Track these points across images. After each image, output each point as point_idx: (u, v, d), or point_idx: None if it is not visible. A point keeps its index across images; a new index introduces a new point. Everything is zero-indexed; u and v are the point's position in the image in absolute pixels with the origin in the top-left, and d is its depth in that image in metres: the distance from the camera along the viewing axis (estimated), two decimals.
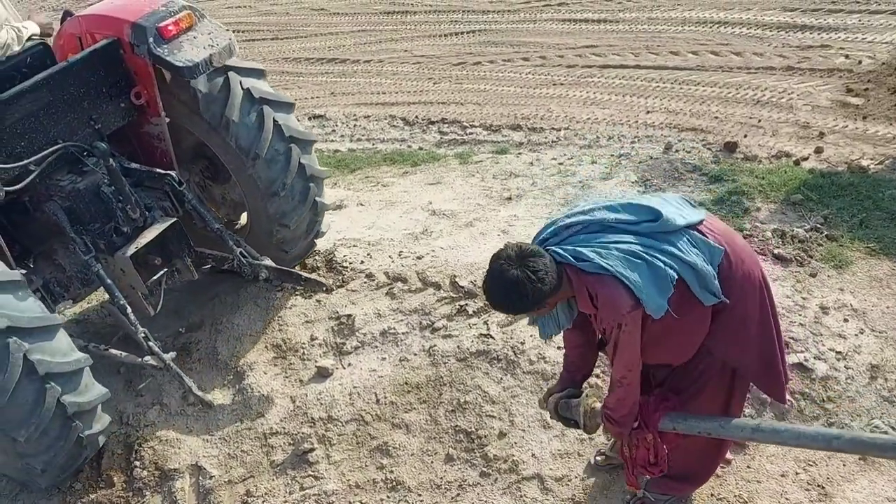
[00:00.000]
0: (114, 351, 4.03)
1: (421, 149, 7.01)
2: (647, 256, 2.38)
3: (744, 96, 6.49)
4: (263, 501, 3.61)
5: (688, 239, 2.47)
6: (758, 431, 2.64)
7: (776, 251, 4.42)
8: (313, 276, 4.58)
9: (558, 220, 2.52)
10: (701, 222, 2.54)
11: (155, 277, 3.99)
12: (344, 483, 3.64)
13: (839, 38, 7.04)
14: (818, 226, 4.61)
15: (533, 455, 3.60)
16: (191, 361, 4.35)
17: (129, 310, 3.84)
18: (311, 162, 4.40)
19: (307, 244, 4.78)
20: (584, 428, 2.97)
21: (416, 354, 4.24)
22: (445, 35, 9.01)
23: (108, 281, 3.85)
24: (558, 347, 4.06)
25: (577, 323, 2.75)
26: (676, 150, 5.84)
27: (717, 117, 6.29)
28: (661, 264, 2.38)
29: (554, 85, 7.45)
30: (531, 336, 4.16)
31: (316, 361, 4.30)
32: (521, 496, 3.43)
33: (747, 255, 2.66)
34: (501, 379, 3.99)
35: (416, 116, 7.58)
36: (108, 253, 3.94)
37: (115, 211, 3.90)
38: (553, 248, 2.44)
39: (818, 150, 5.52)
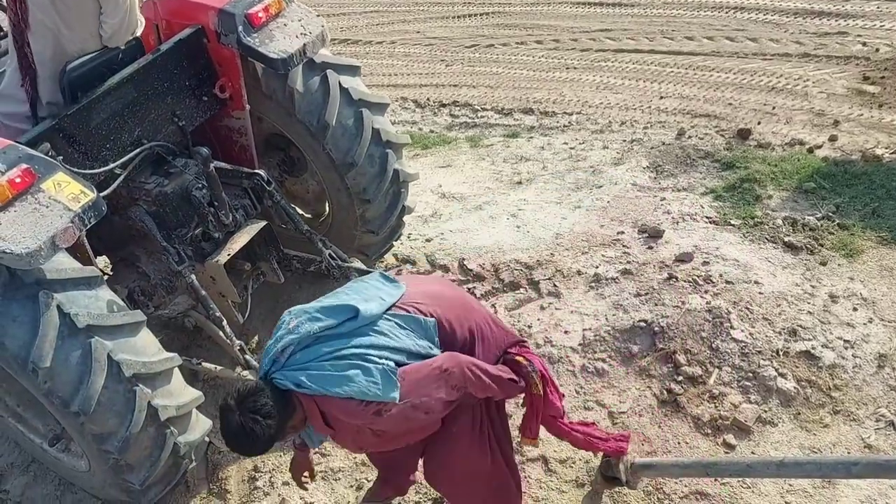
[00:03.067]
0: (207, 364, 3.77)
1: (432, 132, 7.00)
2: (362, 361, 2.35)
3: (758, 83, 6.43)
4: (271, 476, 3.64)
5: (396, 323, 2.46)
6: (783, 467, 2.69)
7: (787, 239, 4.40)
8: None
9: (270, 348, 2.46)
10: (402, 296, 2.53)
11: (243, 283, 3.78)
12: (350, 461, 3.67)
13: (857, 25, 6.95)
14: (830, 214, 4.58)
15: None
16: (200, 339, 4.37)
17: (224, 321, 3.62)
18: (384, 126, 4.08)
19: (395, 223, 4.43)
20: (627, 484, 3.12)
21: None
22: (458, 17, 8.95)
23: (203, 292, 3.61)
24: (565, 332, 4.08)
25: None
26: (689, 137, 5.80)
27: (730, 104, 6.24)
28: (377, 359, 2.36)
29: (567, 69, 7.41)
30: (538, 320, 4.17)
31: None
32: (525, 476, 3.46)
33: (462, 306, 2.64)
34: None
35: (428, 99, 7.56)
36: (196, 260, 3.71)
37: (206, 215, 3.64)
38: (276, 375, 2.40)
39: (832, 139, 5.47)
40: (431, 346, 2.47)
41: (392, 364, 2.36)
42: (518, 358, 2.63)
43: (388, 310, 2.48)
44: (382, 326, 2.43)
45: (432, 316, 2.51)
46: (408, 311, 2.49)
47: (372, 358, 2.35)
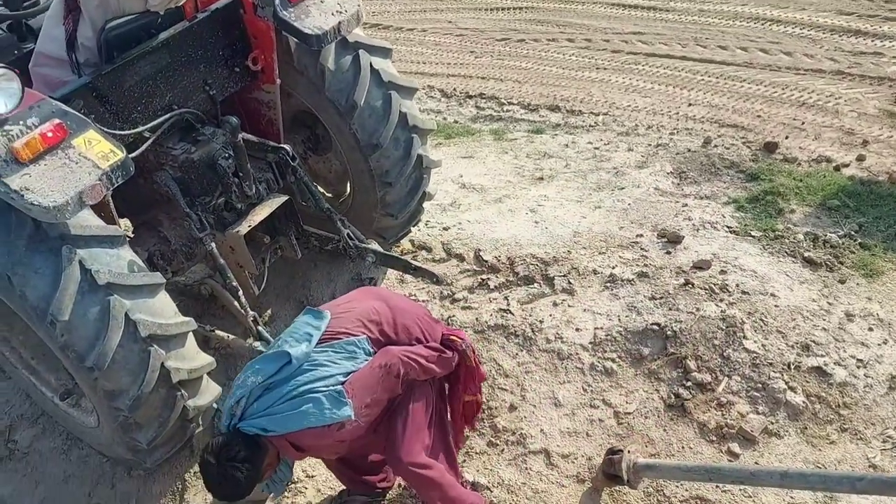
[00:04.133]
0: (220, 333, 3.80)
1: (456, 122, 7.01)
2: (311, 394, 2.60)
3: (789, 97, 6.38)
4: None
5: (332, 352, 2.71)
6: (787, 477, 2.71)
7: (807, 254, 4.37)
8: (425, 266, 4.19)
9: (226, 405, 2.71)
10: (330, 323, 2.78)
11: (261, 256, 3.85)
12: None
13: (893, 46, 6.88)
14: (852, 233, 4.55)
15: (542, 430, 3.63)
16: (214, 308, 4.41)
17: (240, 291, 3.64)
18: (412, 111, 4.10)
19: (414, 208, 4.46)
20: (628, 483, 3.14)
21: None
22: (491, 9, 8.95)
23: (222, 261, 3.64)
24: (577, 329, 4.08)
25: None
26: (715, 146, 5.77)
27: (759, 116, 6.20)
28: (324, 388, 2.61)
29: (597, 69, 7.38)
30: (550, 316, 4.18)
31: None
32: (527, 468, 3.47)
33: (393, 312, 2.92)
34: (517, 354, 4.02)
35: (455, 89, 7.57)
36: (217, 229, 3.74)
37: (230, 185, 3.68)
38: (241, 426, 2.64)
39: (860, 158, 5.43)
40: (368, 359, 2.75)
41: (338, 386, 2.63)
42: (452, 337, 2.99)
43: (319, 342, 2.73)
44: (320, 359, 2.69)
45: (362, 333, 2.78)
46: (339, 338, 2.75)
47: (319, 389, 2.61)
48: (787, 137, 5.82)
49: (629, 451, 3.19)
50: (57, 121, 2.78)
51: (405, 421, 2.86)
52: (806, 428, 3.51)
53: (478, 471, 3.50)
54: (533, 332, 4.10)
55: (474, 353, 3.10)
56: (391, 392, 2.80)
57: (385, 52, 4.03)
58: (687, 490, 3.29)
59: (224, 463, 2.55)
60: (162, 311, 3.09)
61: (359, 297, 3.04)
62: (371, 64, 3.90)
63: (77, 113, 2.90)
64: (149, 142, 3.44)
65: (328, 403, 2.59)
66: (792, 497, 3.23)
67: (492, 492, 3.40)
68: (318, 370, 2.66)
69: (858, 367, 3.69)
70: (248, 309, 3.68)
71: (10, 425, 4.03)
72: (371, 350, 2.77)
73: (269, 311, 4.44)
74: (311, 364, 2.67)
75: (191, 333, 3.25)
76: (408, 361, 2.79)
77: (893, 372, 3.67)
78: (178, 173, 3.62)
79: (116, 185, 2.88)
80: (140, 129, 3.41)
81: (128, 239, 3.18)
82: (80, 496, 3.72)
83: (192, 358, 3.24)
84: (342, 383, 2.65)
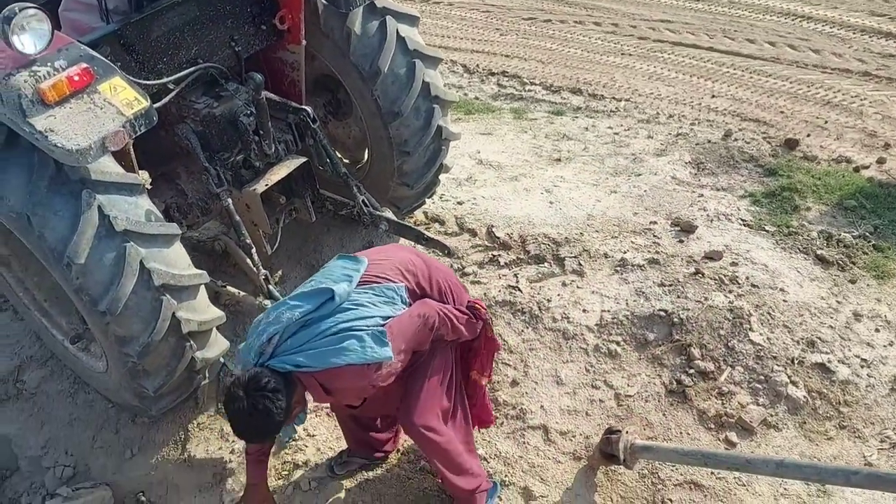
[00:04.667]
0: (231, 289, 3.83)
1: (477, 98, 6.99)
2: (352, 332, 2.51)
3: (814, 95, 6.33)
4: None
5: (372, 294, 2.64)
6: (782, 467, 2.74)
7: (819, 252, 4.36)
8: (437, 238, 4.23)
9: (251, 344, 2.59)
10: (367, 268, 2.71)
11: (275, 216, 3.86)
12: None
13: None
14: (867, 234, 4.53)
15: (542, 406, 3.67)
16: (226, 265, 4.45)
17: (253, 249, 3.68)
18: (435, 81, 4.10)
19: (430, 179, 4.47)
20: (624, 463, 3.16)
21: None
22: None
23: (238, 218, 3.66)
24: (584, 311, 4.10)
25: None
26: (735, 139, 5.74)
27: (782, 112, 6.15)
28: (365, 327, 2.53)
29: (622, 54, 7.33)
30: (559, 295, 4.20)
31: None
32: (524, 443, 3.51)
33: (427, 267, 2.88)
34: (522, 331, 4.05)
35: (478, 65, 7.54)
36: (234, 186, 3.74)
37: (249, 143, 3.69)
38: (271, 363, 2.52)
39: (880, 161, 5.38)
40: (405, 307, 2.69)
41: (381, 327, 2.56)
42: (477, 305, 2.95)
43: (357, 285, 2.65)
44: (360, 299, 2.61)
45: (401, 281, 2.73)
46: (379, 283, 2.69)
47: (360, 327, 2.54)
48: (808, 135, 5.77)
49: (627, 433, 3.22)
50: (84, 65, 2.80)
51: (424, 382, 2.83)
52: (805, 422, 3.53)
53: (476, 442, 3.54)
54: (540, 310, 4.12)
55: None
56: (421, 344, 2.75)
57: (412, 20, 4.02)
58: (682, 474, 3.32)
59: (254, 394, 2.41)
60: (176, 261, 3.12)
61: (393, 249, 3.03)
62: (398, 30, 3.90)
63: (103, 58, 2.91)
64: (172, 93, 3.45)
65: (371, 342, 2.51)
66: (785, 488, 3.26)
67: (489, 463, 3.44)
68: (359, 310, 2.58)
69: (862, 367, 3.70)
70: (260, 267, 3.72)
71: (20, 366, 4.10)
72: (408, 300, 2.71)
73: (279, 272, 4.47)
74: (352, 303, 2.59)
75: (203, 286, 3.28)
76: (443, 316, 2.75)
77: None
78: (199, 127, 3.64)
79: (139, 133, 2.90)
80: (165, 80, 3.42)
81: (146, 189, 3.22)
82: (84, 439, 3.79)
83: (202, 310, 3.27)
84: (382, 325, 2.58)
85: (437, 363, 2.87)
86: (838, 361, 3.71)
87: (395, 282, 2.71)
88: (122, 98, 2.88)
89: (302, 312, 2.55)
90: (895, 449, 3.39)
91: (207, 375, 3.53)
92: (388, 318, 2.61)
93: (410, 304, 2.72)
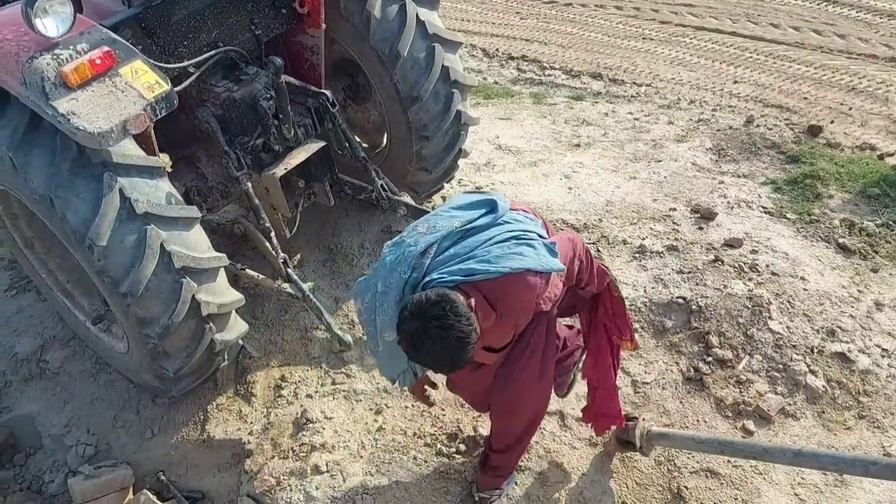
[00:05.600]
0: (250, 272, 3.86)
1: (496, 83, 6.95)
2: (524, 240, 2.37)
3: (839, 81, 6.23)
4: (296, 388, 3.76)
5: (523, 216, 2.51)
6: (800, 456, 2.71)
7: (841, 240, 4.31)
8: None
9: (397, 261, 2.33)
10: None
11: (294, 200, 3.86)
12: (373, 385, 3.77)
13: None
14: (890, 223, 4.47)
15: None
16: (245, 249, 4.48)
17: (272, 233, 3.70)
18: (454, 65, 4.05)
19: (449, 164, 4.44)
20: (640, 450, 3.17)
21: None
22: None
23: (257, 201, 3.66)
24: None
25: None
26: (757, 125, 5.67)
27: (806, 98, 6.07)
28: (537, 237, 2.42)
29: (643, 39, 7.26)
30: None
31: (363, 269, 4.40)
32: (541, 429, 3.50)
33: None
34: None
35: (497, 49, 7.50)
36: (253, 169, 3.75)
37: (269, 127, 3.69)
38: (435, 276, 2.29)
39: None
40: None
41: (545, 239, 2.44)
42: (602, 266, 2.88)
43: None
44: (519, 217, 2.47)
45: (538, 218, 2.61)
46: (525, 212, 2.57)
47: (531, 236, 2.40)
48: (832, 122, 5.69)
49: (644, 420, 3.22)
50: (106, 48, 2.81)
51: (524, 358, 2.68)
52: (823, 412, 3.50)
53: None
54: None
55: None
56: (568, 279, 2.60)
57: (432, 4, 3.99)
58: (698, 462, 3.31)
59: (441, 321, 2.13)
60: (196, 244, 3.14)
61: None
62: (417, 14, 3.87)
63: (125, 42, 2.93)
64: (193, 77, 3.45)
65: (543, 251, 2.36)
66: (803, 477, 3.24)
67: None
68: (523, 224, 2.44)
69: (883, 357, 3.66)
70: (279, 251, 3.74)
71: (43, 346, 4.16)
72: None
73: (298, 256, 4.49)
74: (513, 219, 2.45)
75: (222, 269, 3.31)
76: (584, 248, 2.68)
77: None
78: (219, 111, 3.65)
79: (160, 116, 2.91)
80: (185, 63, 3.42)
81: (167, 172, 3.24)
82: (106, 418, 3.85)
83: (222, 293, 3.30)
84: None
85: (550, 328, 2.73)
86: (858, 351, 3.68)
87: (536, 219, 2.59)
88: (143, 81, 2.90)
89: (463, 221, 2.36)
90: None
91: (226, 357, 3.57)
92: (542, 236, 2.48)
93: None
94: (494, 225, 2.40)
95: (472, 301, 2.26)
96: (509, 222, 2.43)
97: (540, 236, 2.46)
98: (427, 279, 2.30)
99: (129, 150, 2.99)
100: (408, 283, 2.31)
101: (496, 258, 2.29)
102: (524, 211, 2.60)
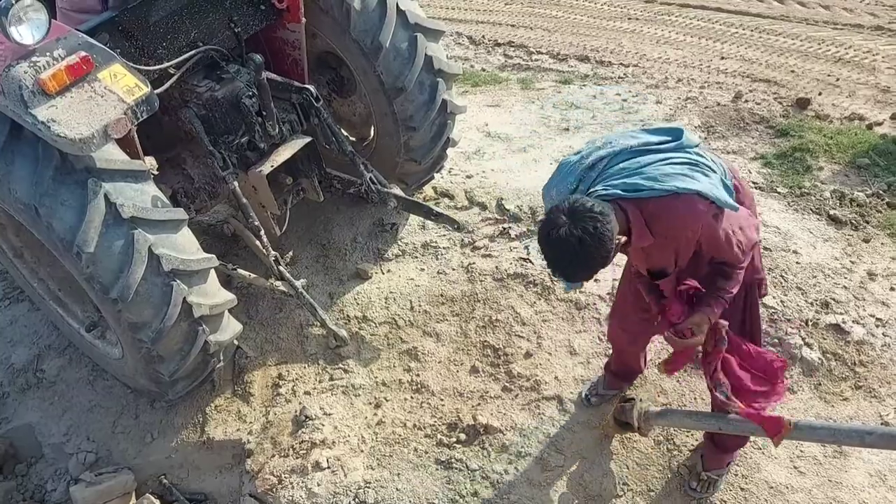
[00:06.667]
0: (242, 271, 3.85)
1: (483, 70, 6.92)
2: (701, 168, 2.27)
3: (825, 52, 6.21)
4: (293, 385, 3.77)
5: (710, 157, 2.39)
6: (797, 430, 2.70)
7: (832, 212, 4.31)
8: (447, 212, 4.23)
9: (567, 172, 2.31)
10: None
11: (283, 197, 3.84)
12: (371, 379, 3.77)
13: None
14: (881, 192, 4.47)
15: (556, 377, 3.67)
16: (237, 248, 4.48)
17: (262, 231, 3.69)
18: (438, 54, 4.02)
19: (437, 154, 4.42)
20: (639, 430, 3.16)
21: (454, 269, 4.30)
22: None
23: (245, 200, 3.64)
24: (595, 280, 4.07)
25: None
26: (746, 100, 5.65)
27: (793, 71, 6.05)
28: (713, 171, 2.31)
29: (628, 19, 7.22)
30: None
31: (357, 263, 4.40)
32: (539, 413, 3.53)
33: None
34: (535, 303, 4.04)
35: (483, 36, 7.45)
36: (240, 168, 3.73)
37: (253, 125, 3.66)
38: (598, 188, 2.24)
39: (894, 117, 5.29)
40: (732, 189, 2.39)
41: (728, 181, 2.33)
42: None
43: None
44: (703, 154, 2.35)
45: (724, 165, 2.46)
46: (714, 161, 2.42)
47: (711, 168, 2.29)
48: (820, 94, 5.68)
49: (641, 400, 3.22)
50: (83, 53, 2.79)
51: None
52: (820, 384, 3.51)
53: (492, 414, 3.56)
54: (552, 281, 4.11)
55: None
56: (747, 242, 2.41)
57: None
58: (697, 439, 3.32)
59: (583, 218, 2.08)
60: (185, 246, 3.13)
61: None
62: (398, 4, 3.85)
63: (102, 46, 2.91)
64: (174, 78, 3.42)
65: (719, 185, 2.25)
66: (801, 450, 3.25)
67: (504, 434, 3.46)
68: (705, 159, 2.33)
69: (877, 326, 3.67)
70: (270, 249, 3.73)
71: (39, 355, 4.16)
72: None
73: (290, 253, 4.49)
74: (697, 154, 2.32)
75: (213, 270, 3.30)
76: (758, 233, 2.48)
77: None
78: (202, 111, 3.62)
79: (141, 119, 2.90)
80: (165, 64, 3.40)
81: (152, 175, 3.22)
82: (105, 425, 3.85)
83: (213, 294, 3.29)
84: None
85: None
86: (853, 322, 3.68)
87: (724, 166, 2.44)
88: (122, 85, 2.88)
89: (640, 142, 2.29)
90: None
91: (222, 358, 3.57)
92: (723, 178, 2.35)
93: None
94: (674, 151, 2.29)
95: (630, 216, 2.21)
96: (689, 153, 2.31)
97: (722, 181, 2.32)
98: (591, 190, 2.26)
99: (112, 155, 2.97)
100: (576, 192, 2.28)
101: (665, 176, 2.19)
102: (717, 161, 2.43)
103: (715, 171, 2.35)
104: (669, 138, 2.33)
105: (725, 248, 2.39)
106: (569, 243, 2.10)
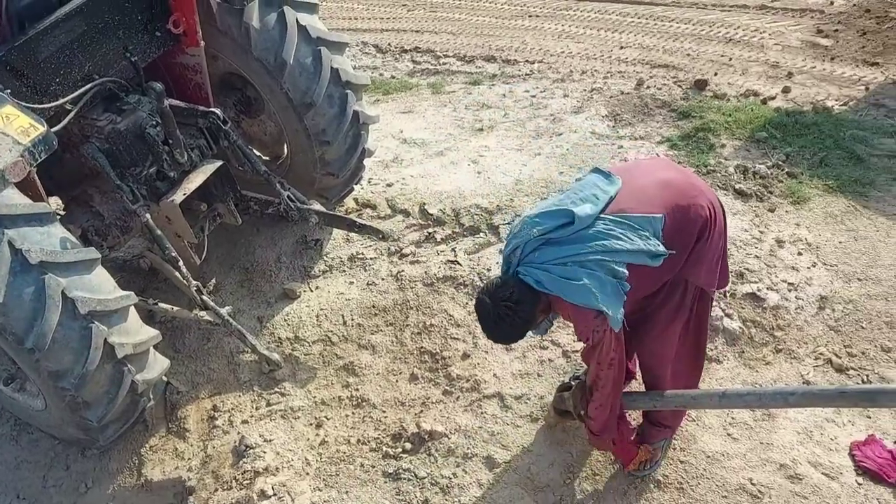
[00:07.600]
0: (164, 305, 3.72)
1: (393, 77, 6.93)
2: (599, 269, 2.47)
3: (716, 34, 6.50)
4: (230, 416, 3.68)
5: (628, 225, 2.51)
6: (725, 398, 2.82)
7: (737, 186, 4.51)
8: (370, 223, 4.24)
9: (504, 253, 2.68)
10: (621, 191, 2.58)
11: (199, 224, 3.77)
12: (310, 400, 3.73)
13: None
14: (780, 163, 4.71)
15: (494, 375, 3.71)
16: (157, 282, 4.34)
17: (180, 261, 3.60)
18: (344, 66, 4.02)
19: (355, 165, 4.40)
20: (579, 417, 3.19)
21: (383, 279, 4.30)
22: None
23: (159, 232, 3.54)
24: None
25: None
26: (647, 87, 5.86)
27: (689, 54, 6.30)
28: (617, 266, 2.48)
29: (529, 17, 7.38)
30: (497, 264, 4.23)
31: (283, 284, 4.34)
32: (482, 413, 3.56)
33: (692, 192, 2.64)
34: (467, 303, 4.08)
35: (389, 44, 7.47)
36: (151, 200, 3.63)
37: (160, 154, 3.56)
38: (520, 270, 2.59)
39: (785, 90, 5.58)
40: (658, 244, 2.54)
41: (623, 281, 2.49)
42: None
43: (604, 208, 2.54)
44: (615, 230, 2.51)
45: (660, 211, 2.55)
46: (636, 212, 2.54)
47: (610, 266, 2.47)
48: (715, 74, 5.94)
49: (577, 388, 3.28)
50: None
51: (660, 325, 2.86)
52: (743, 352, 3.67)
53: (435, 419, 3.57)
54: (481, 280, 4.15)
55: None
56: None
57: (311, 7, 3.95)
58: (635, 418, 3.42)
59: (498, 303, 2.53)
60: (100, 286, 3.02)
61: (655, 167, 2.80)
62: (297, 20, 3.82)
63: None
64: (71, 114, 3.31)
65: (610, 292, 2.46)
66: (733, 418, 3.39)
67: (449, 438, 3.48)
68: (612, 242, 2.49)
69: (790, 291, 3.86)
70: (191, 279, 3.64)
71: None
72: (660, 233, 2.54)
73: (213, 280, 4.39)
74: (603, 231, 2.50)
75: (132, 307, 3.19)
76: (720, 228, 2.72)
77: (822, 293, 3.85)
78: (105, 145, 3.50)
79: (39, 160, 2.79)
80: (61, 101, 3.27)
81: (58, 216, 3.09)
82: (34, 480, 3.67)
83: (135, 332, 3.18)
84: (627, 265, 2.48)
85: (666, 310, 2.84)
86: (767, 289, 3.86)
87: (654, 213, 2.54)
88: (16, 126, 2.76)
89: (540, 230, 2.54)
90: (829, 364, 3.57)
91: (151, 397, 3.46)
92: (642, 252, 2.49)
93: (666, 234, 2.55)
94: (576, 239, 2.51)
95: (543, 299, 2.57)
96: (596, 237, 2.50)
97: (622, 260, 2.48)
98: (516, 270, 2.62)
99: (12, 200, 2.83)
100: (509, 272, 2.67)
101: (557, 282, 2.49)
102: (639, 208, 2.54)
103: (617, 253, 2.48)
104: (564, 222, 2.52)
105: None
106: (490, 318, 2.59)
